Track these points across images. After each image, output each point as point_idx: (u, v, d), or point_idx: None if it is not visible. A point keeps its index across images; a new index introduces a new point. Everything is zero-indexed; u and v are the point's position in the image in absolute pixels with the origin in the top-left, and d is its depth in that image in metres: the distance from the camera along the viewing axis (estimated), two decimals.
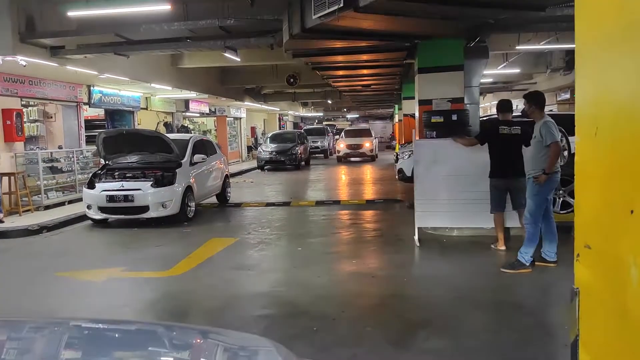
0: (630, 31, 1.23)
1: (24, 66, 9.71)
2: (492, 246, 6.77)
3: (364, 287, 5.57)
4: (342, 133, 27.86)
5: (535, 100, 5.91)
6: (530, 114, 5.92)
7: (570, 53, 14.77)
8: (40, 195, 11.07)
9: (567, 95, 20.02)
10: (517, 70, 16.52)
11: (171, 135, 11.45)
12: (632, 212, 1.22)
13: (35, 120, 13.03)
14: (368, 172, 19.29)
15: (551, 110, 20.00)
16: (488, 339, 4.07)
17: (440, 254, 6.83)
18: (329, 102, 29.63)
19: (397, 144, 20.54)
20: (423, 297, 5.24)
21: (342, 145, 25.13)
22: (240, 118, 27.51)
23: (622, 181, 1.28)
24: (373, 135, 27.40)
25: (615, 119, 1.31)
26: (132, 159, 10.12)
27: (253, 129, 31.60)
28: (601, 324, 1.40)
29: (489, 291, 5.36)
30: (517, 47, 11.58)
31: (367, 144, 24.78)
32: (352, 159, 24.75)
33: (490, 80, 19.05)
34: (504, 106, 6.74)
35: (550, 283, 5.41)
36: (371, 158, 24.81)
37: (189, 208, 9.68)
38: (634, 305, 1.23)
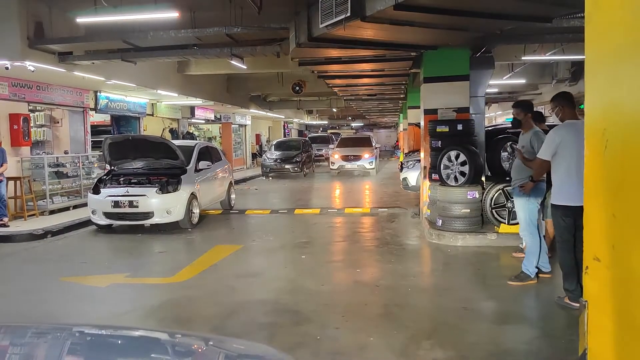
0: None
1: (32, 71, 9.78)
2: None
3: (368, 296, 5.55)
4: (337, 142, 23.84)
5: (531, 109, 5.87)
6: (525, 122, 5.83)
7: (576, 64, 14.78)
8: (45, 200, 11.11)
9: None
10: (522, 81, 16.52)
11: (176, 142, 11.49)
12: None
13: (42, 125, 13.11)
14: (372, 181, 19.26)
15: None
16: (493, 350, 4.03)
17: (444, 264, 6.81)
18: (334, 110, 29.68)
19: (402, 153, 20.45)
20: (427, 308, 5.21)
21: (336, 157, 21.30)
22: (245, 125, 27.59)
23: (632, 194, 1.27)
24: (374, 144, 23.60)
25: (626, 133, 1.30)
26: (138, 164, 10.15)
27: (258, 136, 31.69)
28: (610, 336, 1.38)
29: (493, 302, 5.32)
30: (522, 58, 11.59)
31: (367, 155, 21.05)
32: (351, 170, 21.33)
33: (496, 90, 19.06)
34: (538, 115, 6.80)
35: (553, 294, 5.36)
36: (371, 171, 21.23)
37: (193, 214, 9.69)
38: None
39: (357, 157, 20.82)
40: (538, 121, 6.67)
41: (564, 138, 4.73)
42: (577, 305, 4.74)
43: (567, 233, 4.77)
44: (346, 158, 20.88)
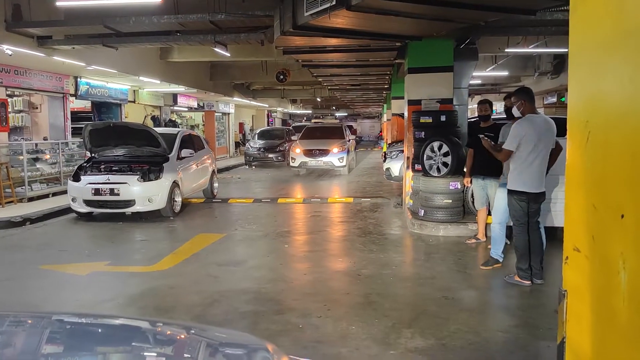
0: (625, 38, 1.24)
1: (10, 55, 9.57)
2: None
3: (350, 285, 5.58)
4: (301, 132, 19.29)
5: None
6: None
7: (558, 57, 14.93)
8: (23, 187, 10.92)
9: (554, 99, 20.22)
10: (505, 73, 16.65)
11: (159, 129, 11.36)
12: (622, 216, 1.23)
13: (20, 111, 12.88)
14: (354, 172, 19.29)
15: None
16: (472, 339, 4.08)
17: (426, 254, 6.86)
18: (318, 99, 29.60)
19: (385, 144, 20.46)
20: (408, 297, 5.26)
21: (297, 151, 17.05)
22: (229, 113, 27.40)
23: (613, 185, 1.29)
24: (347, 136, 18.75)
25: (608, 125, 1.31)
26: (119, 152, 10.03)
27: (241, 125, 31.51)
28: (588, 325, 1.41)
29: (473, 291, 5.39)
30: (506, 50, 11.67)
31: (336, 149, 16.87)
32: (316, 168, 17.18)
33: (479, 82, 19.20)
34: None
35: (537, 286, 5.45)
36: (342, 170, 17.15)
37: (175, 203, 9.62)
38: (622, 309, 1.24)
39: (323, 152, 16.82)
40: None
41: (527, 131, 5.12)
42: (528, 283, 5.27)
43: (523, 216, 5.26)
44: (310, 153, 16.85)
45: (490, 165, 6.48)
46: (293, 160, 17.13)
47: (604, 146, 1.33)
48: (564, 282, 1.46)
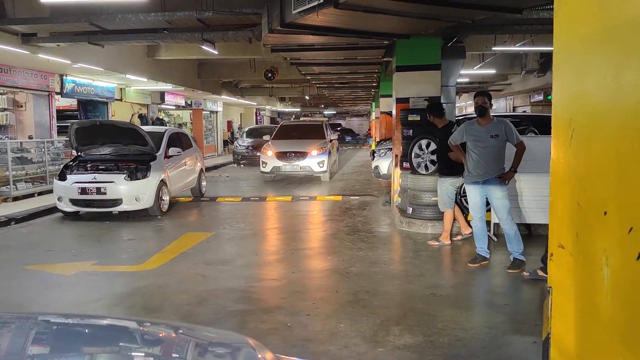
0: (608, 36, 1.25)
1: None
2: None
3: (338, 283, 5.58)
4: (274, 132, 16.55)
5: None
6: (488, 113, 5.97)
7: (545, 55, 15.07)
8: (8, 186, 10.80)
9: (541, 97, 20.41)
10: (492, 71, 16.76)
11: (146, 128, 11.28)
12: (605, 213, 1.25)
13: (5, 109, 12.72)
14: (342, 170, 19.31)
15: (524, 111, 20.43)
16: (460, 336, 4.11)
17: (414, 251, 6.89)
18: (307, 97, 29.57)
19: (374, 142, 20.49)
20: (397, 294, 5.28)
21: (269, 154, 14.41)
22: (217, 112, 27.30)
23: (596, 183, 1.30)
24: (328, 135, 16.05)
25: (592, 122, 1.33)
26: (105, 150, 9.94)
27: (229, 123, 31.42)
28: (573, 322, 1.42)
29: (461, 288, 5.42)
30: (493, 48, 11.75)
31: (315, 152, 14.32)
32: (292, 174, 14.62)
33: (467, 80, 19.29)
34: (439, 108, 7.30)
35: (519, 280, 5.50)
36: (322, 175, 14.69)
37: (163, 202, 9.56)
38: (605, 304, 1.26)
39: (300, 155, 14.23)
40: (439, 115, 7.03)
41: None
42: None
43: None
44: (284, 156, 14.27)
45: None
46: (264, 165, 14.50)
47: (588, 144, 1.35)
48: (549, 279, 1.48)
